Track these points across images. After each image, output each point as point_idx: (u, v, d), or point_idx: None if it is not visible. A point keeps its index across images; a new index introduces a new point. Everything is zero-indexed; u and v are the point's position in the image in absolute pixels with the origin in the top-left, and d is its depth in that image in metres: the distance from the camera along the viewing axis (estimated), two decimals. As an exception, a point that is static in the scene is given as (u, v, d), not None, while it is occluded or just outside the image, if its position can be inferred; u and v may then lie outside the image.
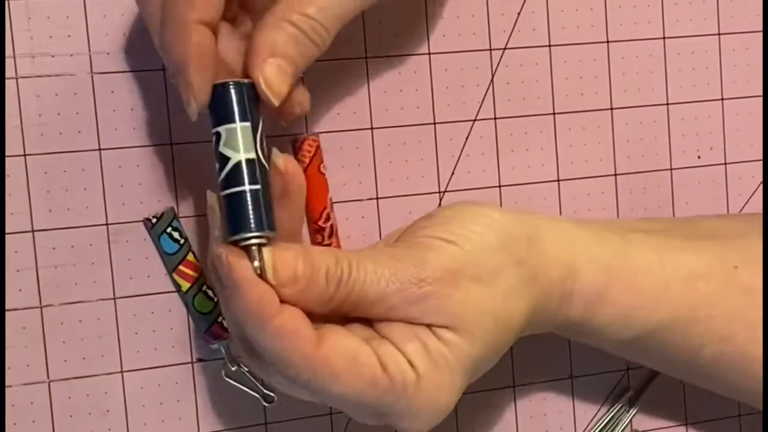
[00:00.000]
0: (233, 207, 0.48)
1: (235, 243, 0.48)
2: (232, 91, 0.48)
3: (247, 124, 0.48)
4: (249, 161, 0.48)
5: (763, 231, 0.59)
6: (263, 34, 0.49)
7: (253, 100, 0.49)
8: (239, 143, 0.48)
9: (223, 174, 0.48)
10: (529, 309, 0.53)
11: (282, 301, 0.48)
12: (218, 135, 0.48)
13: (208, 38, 0.48)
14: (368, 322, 0.51)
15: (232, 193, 0.48)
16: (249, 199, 0.48)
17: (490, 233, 0.51)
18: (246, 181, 0.48)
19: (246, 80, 0.49)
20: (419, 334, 0.50)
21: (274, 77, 0.49)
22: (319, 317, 0.49)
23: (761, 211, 0.67)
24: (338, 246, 0.59)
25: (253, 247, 0.47)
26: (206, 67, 0.48)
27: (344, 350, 0.48)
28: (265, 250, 0.47)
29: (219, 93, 0.48)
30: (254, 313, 0.47)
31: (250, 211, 0.48)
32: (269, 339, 0.47)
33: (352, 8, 0.51)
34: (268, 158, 0.49)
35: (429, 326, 0.50)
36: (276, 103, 0.49)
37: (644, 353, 0.59)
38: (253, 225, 0.47)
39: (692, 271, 0.56)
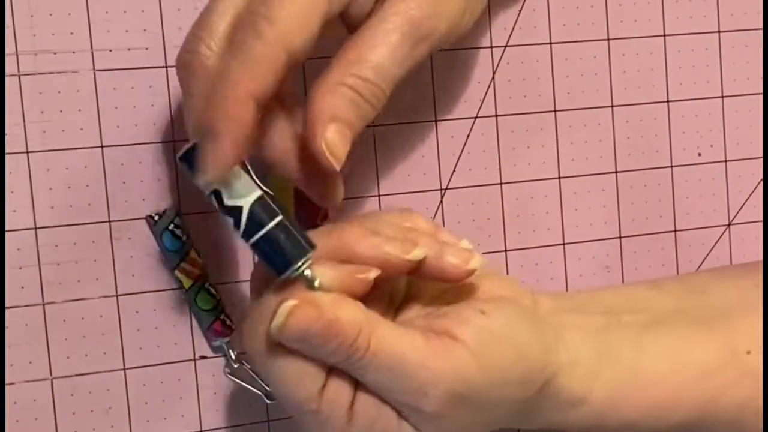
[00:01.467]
0: (269, 249, 0.47)
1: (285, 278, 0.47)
2: (191, 157, 0.47)
3: (237, 167, 0.47)
4: (259, 200, 0.47)
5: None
6: (322, 99, 0.48)
7: None
8: (239, 191, 0.47)
9: (242, 225, 0.47)
10: (498, 427, 0.53)
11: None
12: (218, 192, 0.47)
13: (253, 115, 0.46)
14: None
15: (261, 237, 0.47)
16: (280, 232, 0.47)
17: (518, 367, 0.50)
18: (269, 216, 0.47)
19: None
20: (383, 411, 0.49)
21: (337, 143, 0.47)
22: None
23: (761, 208, 0.67)
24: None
25: (305, 272, 0.47)
26: (240, 145, 0.46)
27: (299, 356, 0.48)
28: (285, 305, 0.46)
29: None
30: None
31: (287, 243, 0.47)
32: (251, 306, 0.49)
33: (408, 65, 0.50)
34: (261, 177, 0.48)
35: (401, 417, 0.49)
36: (337, 168, 0.48)
37: None
38: (296, 253, 0.47)
39: (704, 367, 0.55)
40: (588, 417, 0.53)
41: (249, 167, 0.48)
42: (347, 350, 0.47)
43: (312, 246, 0.47)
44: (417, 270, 0.49)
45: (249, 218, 0.47)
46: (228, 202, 0.47)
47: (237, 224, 0.47)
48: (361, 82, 0.49)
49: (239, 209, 0.47)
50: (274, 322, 0.46)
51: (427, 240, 0.50)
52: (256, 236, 0.47)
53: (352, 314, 0.47)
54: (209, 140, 0.46)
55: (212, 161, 0.46)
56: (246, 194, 0.47)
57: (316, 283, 0.47)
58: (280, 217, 0.47)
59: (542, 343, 0.51)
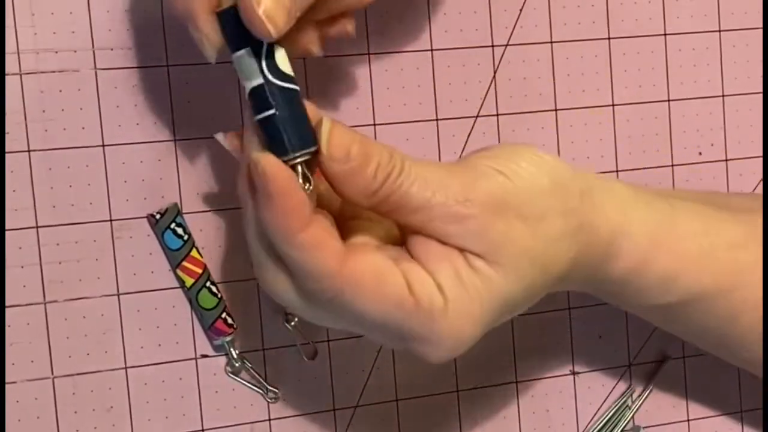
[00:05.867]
0: (264, 132, 0.48)
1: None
2: (222, 19, 0.48)
3: (242, 52, 0.47)
4: (257, 88, 0.48)
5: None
6: None
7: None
8: (244, 72, 0.48)
9: (249, 102, 0.48)
10: (571, 259, 0.52)
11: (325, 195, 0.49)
12: (233, 65, 0.48)
13: None
14: (402, 243, 0.50)
15: (258, 120, 0.48)
16: (272, 123, 0.48)
17: (542, 176, 0.50)
18: (263, 107, 0.48)
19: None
20: (452, 258, 0.49)
21: (273, 8, 0.46)
22: (353, 214, 0.51)
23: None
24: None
25: (298, 166, 0.48)
26: (212, 12, 0.47)
27: (372, 267, 0.48)
28: (325, 121, 0.48)
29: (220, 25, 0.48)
30: (283, 224, 0.47)
31: (277, 134, 0.48)
32: (296, 251, 0.47)
33: None
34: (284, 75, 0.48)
35: (463, 252, 0.49)
36: (275, 36, 0.47)
37: (680, 319, 0.58)
38: (287, 146, 0.47)
39: (733, 239, 0.56)
40: (630, 258, 0.54)
41: (268, 55, 0.48)
42: (388, 165, 0.48)
43: (305, 146, 0.48)
44: None
45: (249, 100, 0.48)
46: (240, 78, 0.48)
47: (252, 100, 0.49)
48: None
49: (244, 89, 0.48)
50: (321, 141, 0.47)
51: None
52: (256, 117, 0.48)
53: (378, 143, 0.49)
54: (191, 27, 0.48)
55: (197, 36, 0.48)
56: (249, 78, 0.48)
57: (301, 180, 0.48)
58: (272, 111, 0.48)
59: (560, 161, 0.52)
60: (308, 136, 0.48)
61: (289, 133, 0.47)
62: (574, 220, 0.51)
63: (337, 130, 0.48)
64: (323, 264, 0.47)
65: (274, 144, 0.47)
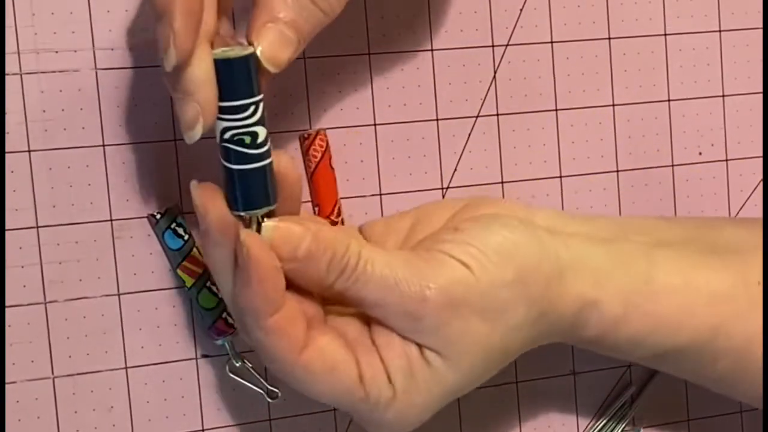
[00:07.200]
0: (251, 181, 0.48)
1: (241, 216, 0.48)
2: (252, 61, 0.46)
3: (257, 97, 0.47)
4: (268, 135, 0.48)
5: (763, 228, 0.59)
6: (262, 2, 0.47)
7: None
8: (265, 117, 0.47)
9: (260, 148, 0.47)
10: (529, 342, 0.53)
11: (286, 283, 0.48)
12: (256, 106, 0.47)
13: None
14: (366, 317, 0.51)
15: (257, 168, 0.48)
16: (268, 172, 0.48)
17: (508, 267, 0.50)
18: (269, 155, 0.48)
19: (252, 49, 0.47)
20: (408, 352, 0.50)
21: (274, 44, 0.46)
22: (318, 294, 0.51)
23: (761, 207, 0.67)
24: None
25: (263, 219, 0.48)
26: (192, 13, 0.45)
27: (325, 359, 0.49)
28: (269, 223, 0.48)
29: (242, 64, 0.46)
30: (255, 307, 0.47)
31: (269, 184, 0.48)
32: (260, 333, 0.48)
33: None
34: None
35: (420, 346, 0.50)
36: (274, 70, 0.47)
37: (656, 365, 0.59)
38: (271, 197, 0.48)
39: (715, 291, 0.55)
40: (599, 326, 0.53)
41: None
42: (341, 260, 0.47)
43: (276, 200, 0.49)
44: None
45: (262, 145, 0.48)
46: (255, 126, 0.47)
47: (253, 146, 0.47)
48: None
49: (256, 135, 0.47)
50: (262, 236, 0.47)
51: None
52: (255, 164, 0.47)
53: (334, 230, 0.49)
54: (164, 23, 0.45)
55: (166, 37, 0.45)
56: (265, 124, 0.47)
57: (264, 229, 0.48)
58: (271, 159, 0.48)
59: (532, 242, 0.51)
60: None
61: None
62: (536, 309, 0.51)
63: (280, 232, 0.47)
64: (281, 351, 0.48)
65: (266, 193, 0.48)
